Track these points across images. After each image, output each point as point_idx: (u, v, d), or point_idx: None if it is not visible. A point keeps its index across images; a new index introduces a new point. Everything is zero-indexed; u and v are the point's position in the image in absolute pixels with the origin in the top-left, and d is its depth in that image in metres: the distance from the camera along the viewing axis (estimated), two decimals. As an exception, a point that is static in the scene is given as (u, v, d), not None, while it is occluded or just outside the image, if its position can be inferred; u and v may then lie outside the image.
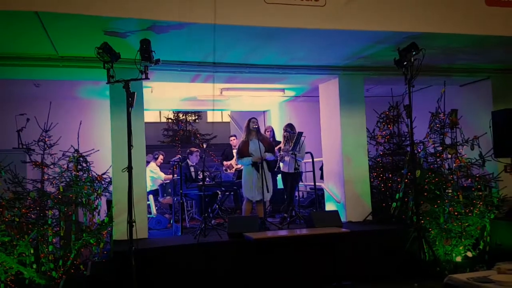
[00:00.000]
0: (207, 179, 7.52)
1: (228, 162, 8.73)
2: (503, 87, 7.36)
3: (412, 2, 5.16)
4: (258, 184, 6.33)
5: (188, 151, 8.19)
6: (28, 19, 4.34)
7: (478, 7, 5.41)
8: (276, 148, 7.49)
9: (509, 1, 5.51)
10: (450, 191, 5.87)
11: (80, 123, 5.87)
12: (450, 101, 6.28)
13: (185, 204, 7.33)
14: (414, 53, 4.86)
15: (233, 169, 8.48)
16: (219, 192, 7.80)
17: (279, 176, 7.73)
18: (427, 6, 5.21)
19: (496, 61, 6.88)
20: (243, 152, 6.51)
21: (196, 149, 8.03)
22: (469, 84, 7.80)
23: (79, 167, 5.49)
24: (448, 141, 6.21)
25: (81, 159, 5.52)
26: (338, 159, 6.99)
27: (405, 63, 4.94)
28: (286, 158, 7.11)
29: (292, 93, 8.79)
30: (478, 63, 6.96)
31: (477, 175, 6.05)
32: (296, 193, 7.52)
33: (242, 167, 6.91)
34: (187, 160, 7.89)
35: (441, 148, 6.20)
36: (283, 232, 5.98)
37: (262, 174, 6.32)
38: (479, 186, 5.96)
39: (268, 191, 6.40)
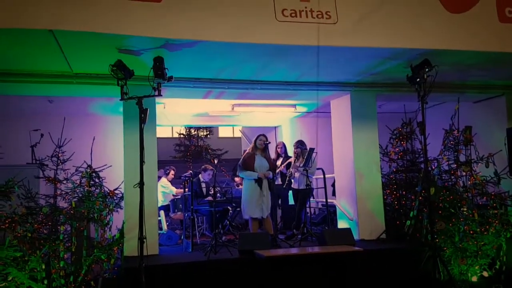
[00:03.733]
0: (218, 194, 7.50)
1: (240, 178, 8.72)
2: (518, 104, 7.28)
3: (424, 18, 5.16)
4: (259, 201, 6.29)
5: (202, 167, 8.18)
6: (43, 37, 4.42)
7: (491, 23, 5.40)
8: (286, 163, 7.47)
9: (522, 17, 5.49)
10: (465, 209, 5.77)
11: (94, 139, 5.92)
12: (464, 118, 6.21)
13: (196, 220, 7.31)
14: (427, 69, 4.83)
15: (245, 185, 8.45)
16: (230, 208, 7.77)
17: (291, 192, 7.68)
18: (439, 22, 5.20)
19: (510, 77, 6.80)
20: (248, 165, 6.40)
21: (211, 168, 7.95)
22: (483, 100, 7.72)
23: (92, 182, 5.52)
24: (462, 158, 6.13)
25: (93, 174, 5.54)
26: (350, 175, 6.93)
27: (418, 79, 4.91)
28: (296, 175, 7.07)
29: (303, 109, 8.79)
30: (492, 79, 6.91)
31: (493, 193, 5.95)
32: (308, 210, 7.46)
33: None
34: (199, 176, 7.88)
35: (455, 165, 6.11)
36: (294, 250, 5.92)
37: (266, 190, 6.30)
38: (494, 204, 5.85)
39: (278, 208, 6.36)
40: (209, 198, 7.58)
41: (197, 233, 7.39)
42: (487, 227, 5.69)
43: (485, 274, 5.56)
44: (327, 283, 5.43)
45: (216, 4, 4.61)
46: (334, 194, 7.84)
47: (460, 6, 5.33)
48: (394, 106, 7.92)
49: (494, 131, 6.94)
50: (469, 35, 5.29)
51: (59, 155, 5.60)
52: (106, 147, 7.47)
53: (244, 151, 9.15)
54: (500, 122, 7.14)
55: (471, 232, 5.63)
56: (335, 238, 5.89)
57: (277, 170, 7.20)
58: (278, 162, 7.49)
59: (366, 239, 6.58)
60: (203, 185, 7.90)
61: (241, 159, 6.66)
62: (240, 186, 8.70)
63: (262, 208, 6.29)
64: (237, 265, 5.35)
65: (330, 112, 7.63)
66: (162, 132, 16.85)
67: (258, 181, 6.36)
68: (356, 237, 6.40)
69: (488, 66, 6.06)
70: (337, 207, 7.39)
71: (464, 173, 6.02)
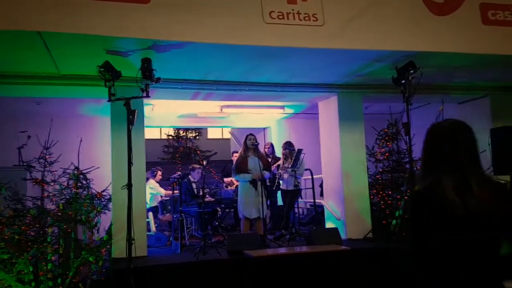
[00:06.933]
0: (207, 195, 7.51)
1: (229, 179, 8.74)
2: (501, 105, 7.37)
3: (409, 21, 5.24)
4: (255, 202, 6.33)
5: (190, 167, 8.20)
6: (30, 39, 4.41)
7: (475, 26, 5.49)
8: (276, 164, 7.52)
9: (505, 20, 5.60)
10: (450, 208, 5.85)
11: (81, 141, 5.89)
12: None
13: (184, 221, 7.32)
14: (411, 71, 4.92)
15: (234, 186, 8.49)
16: (219, 209, 7.78)
17: (280, 193, 7.73)
18: (424, 25, 5.28)
19: (494, 79, 6.92)
20: (241, 168, 6.49)
21: (198, 166, 8.03)
22: (468, 101, 7.84)
23: (79, 184, 5.50)
24: (447, 158, 6.21)
25: (81, 176, 5.52)
26: (337, 176, 7.00)
27: (403, 81, 4.99)
28: (285, 176, 7.12)
29: (291, 110, 8.85)
30: (476, 81, 7.02)
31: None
32: (296, 210, 7.51)
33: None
34: (189, 176, 7.90)
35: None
36: (283, 250, 5.96)
37: (262, 191, 6.34)
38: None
39: (268, 208, 6.40)
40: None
41: (186, 235, 7.40)
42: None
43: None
44: (315, 281, 5.48)
45: (203, 6, 4.63)
46: (322, 194, 7.90)
47: (444, 8, 5.42)
48: (380, 107, 8.02)
49: (478, 131, 6.92)
50: (453, 37, 5.37)
51: (46, 156, 5.58)
52: (95, 149, 7.45)
53: (233, 152, 9.17)
54: (484, 123, 7.23)
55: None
56: (323, 238, 5.96)
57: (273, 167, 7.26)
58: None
59: (353, 238, 6.65)
60: (194, 185, 7.91)
61: (234, 163, 6.72)
62: (229, 188, 8.72)
63: (258, 209, 6.32)
64: (226, 265, 5.39)
65: (317, 113, 7.70)
66: (150, 133, 16.75)
67: (253, 182, 6.40)
68: (343, 236, 6.47)
69: (472, 67, 6.15)
70: (325, 207, 7.45)
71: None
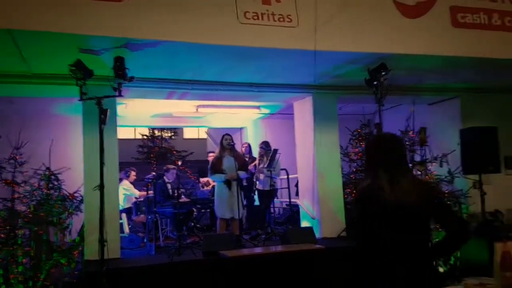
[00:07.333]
0: (183, 196, 7.47)
1: (205, 179, 8.71)
2: (471, 106, 7.51)
3: (381, 24, 5.34)
4: (230, 202, 6.32)
5: (164, 168, 8.15)
6: (0, 37, 4.30)
7: (445, 28, 5.63)
8: (253, 164, 7.53)
9: (474, 23, 5.76)
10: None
11: (52, 141, 5.78)
12: (419, 119, 6.44)
13: (159, 222, 7.26)
14: (383, 73, 5.01)
15: (210, 186, 8.46)
16: (195, 210, 7.75)
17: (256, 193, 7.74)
18: (395, 27, 5.39)
19: (464, 80, 7.09)
20: (216, 168, 6.47)
21: (172, 167, 7.99)
22: (438, 102, 8.00)
23: (50, 185, 5.39)
24: (417, 158, 6.35)
25: (52, 177, 5.42)
26: (312, 175, 7.06)
27: (375, 82, 5.08)
28: (261, 176, 7.14)
29: (267, 111, 8.88)
30: (447, 82, 7.17)
31: (447, 191, 6.20)
32: (272, 210, 7.55)
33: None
34: (164, 177, 7.84)
35: (411, 164, 6.33)
36: (258, 250, 5.99)
37: (238, 191, 6.33)
38: (448, 202, 6.09)
39: (243, 208, 6.39)
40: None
41: (161, 236, 7.33)
42: (442, 224, 5.92)
43: (441, 269, 5.78)
44: (290, 281, 5.51)
45: (177, 5, 4.60)
46: (297, 194, 7.96)
47: (415, 11, 5.54)
48: (353, 108, 8.12)
49: (448, 132, 7.20)
50: (423, 40, 5.50)
51: (17, 157, 5.45)
52: (67, 149, 7.29)
53: (209, 152, 9.13)
54: (453, 124, 7.39)
55: (427, 228, 5.84)
56: (298, 237, 6.01)
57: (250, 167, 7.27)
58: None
59: (328, 237, 6.71)
60: (169, 186, 7.85)
61: (210, 163, 6.70)
62: (205, 188, 8.69)
63: (232, 209, 6.31)
64: (201, 266, 5.36)
65: (293, 114, 7.75)
66: (124, 133, 16.53)
67: (227, 183, 6.39)
68: (318, 235, 6.54)
69: (442, 69, 6.29)
70: (300, 206, 7.51)
71: (419, 172, 6.26)
